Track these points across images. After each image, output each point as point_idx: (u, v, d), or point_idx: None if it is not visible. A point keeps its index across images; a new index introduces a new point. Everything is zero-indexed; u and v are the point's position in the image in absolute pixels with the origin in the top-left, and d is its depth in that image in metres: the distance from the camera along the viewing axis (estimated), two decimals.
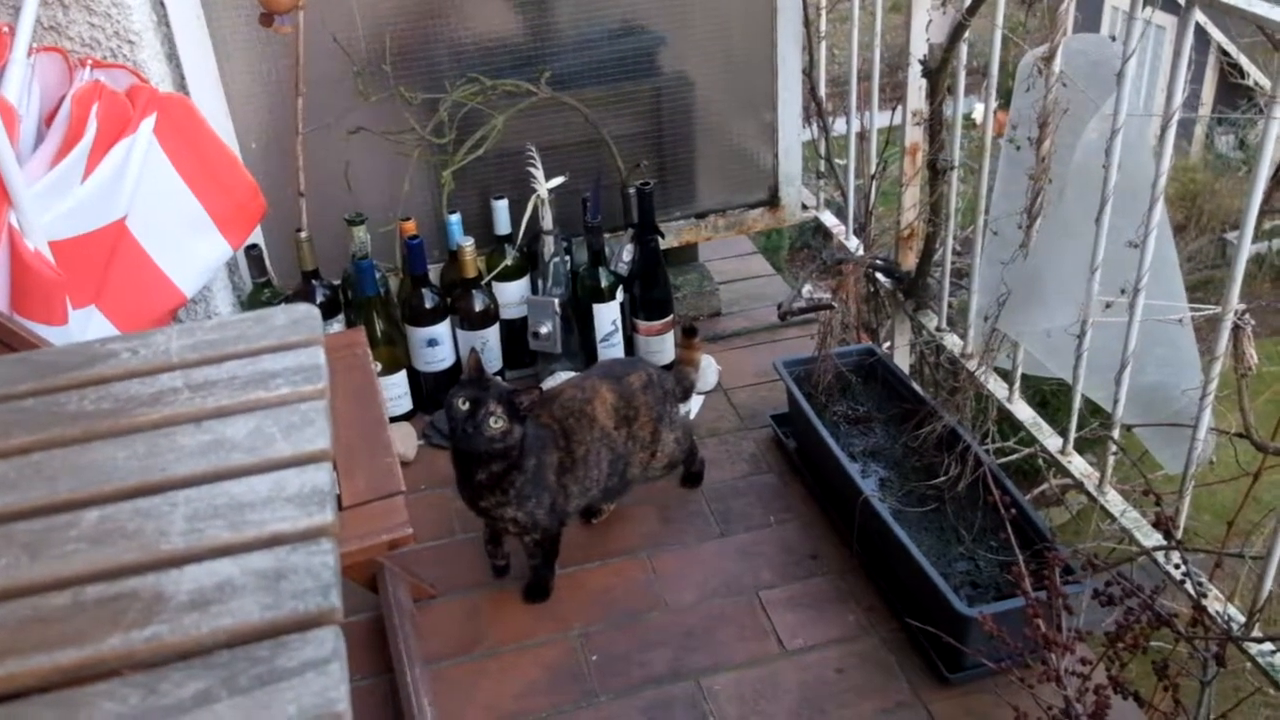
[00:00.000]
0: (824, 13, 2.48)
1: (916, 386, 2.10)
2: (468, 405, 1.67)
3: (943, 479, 1.83)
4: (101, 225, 1.90)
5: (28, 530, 0.77)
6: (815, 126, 2.61)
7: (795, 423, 2.16)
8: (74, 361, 0.95)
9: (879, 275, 2.31)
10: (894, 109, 2.20)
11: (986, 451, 1.84)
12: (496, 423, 1.66)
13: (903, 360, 2.34)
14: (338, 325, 2.31)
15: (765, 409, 2.32)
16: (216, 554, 0.74)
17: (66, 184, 1.83)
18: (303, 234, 2.23)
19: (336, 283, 2.33)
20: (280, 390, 0.90)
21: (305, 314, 1.00)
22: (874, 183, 2.38)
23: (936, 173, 2.00)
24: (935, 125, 1.97)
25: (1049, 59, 1.61)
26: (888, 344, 2.40)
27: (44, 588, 0.73)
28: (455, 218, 2.29)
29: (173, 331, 0.98)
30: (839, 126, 2.68)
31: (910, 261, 2.25)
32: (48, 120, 1.93)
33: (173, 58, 2.12)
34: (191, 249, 2.06)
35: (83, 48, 1.96)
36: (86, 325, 1.89)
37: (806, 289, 2.31)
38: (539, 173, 2.26)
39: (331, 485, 0.79)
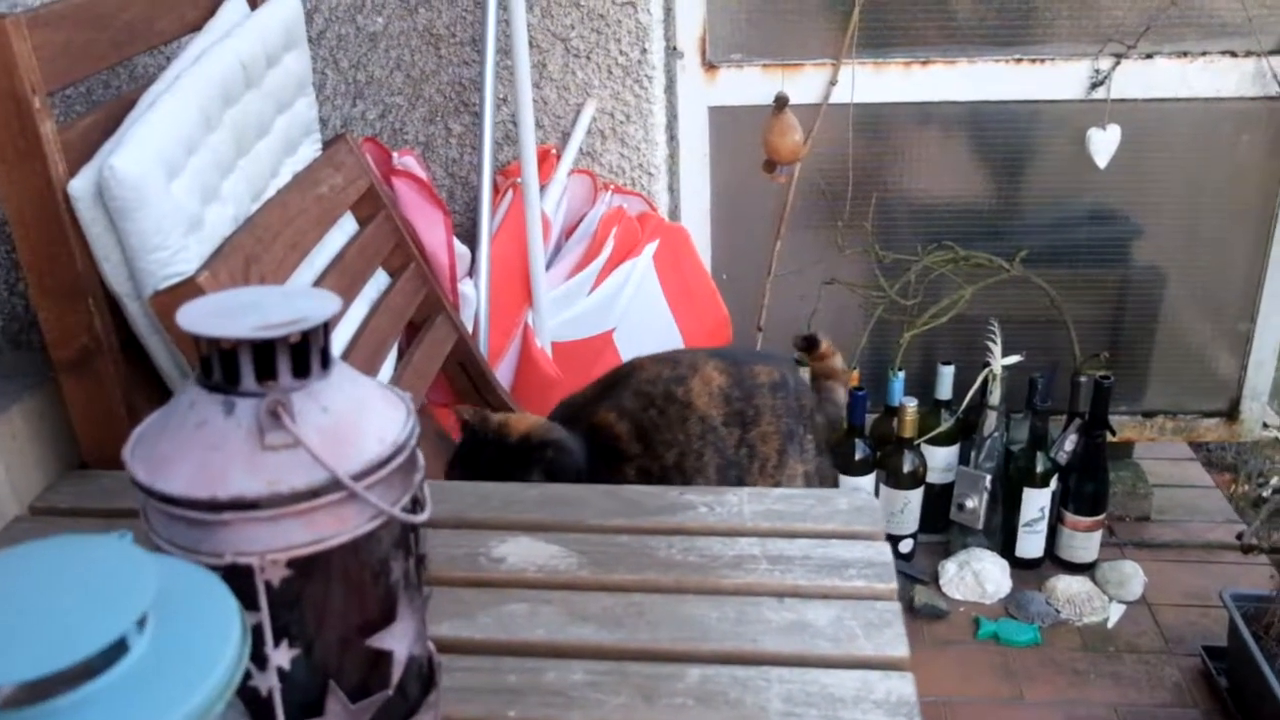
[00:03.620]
0: None
1: None
2: None
3: None
4: (594, 334, 2.08)
5: (639, 674, 0.85)
6: None
7: (1234, 663, 2.00)
8: (657, 505, 1.05)
9: None
10: None
11: None
12: None
13: None
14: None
15: (1194, 635, 2.16)
16: None
17: (577, 294, 2.02)
18: None
19: None
20: (854, 582, 0.94)
21: (866, 503, 1.05)
22: None
23: None
24: None
25: None
26: None
27: None
28: (900, 376, 2.33)
29: (744, 494, 1.06)
30: None
31: None
32: (568, 232, 2.15)
33: (673, 189, 2.30)
34: None
35: (609, 173, 2.17)
36: None
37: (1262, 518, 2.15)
38: (997, 349, 2.25)
39: (916, 699, 0.82)
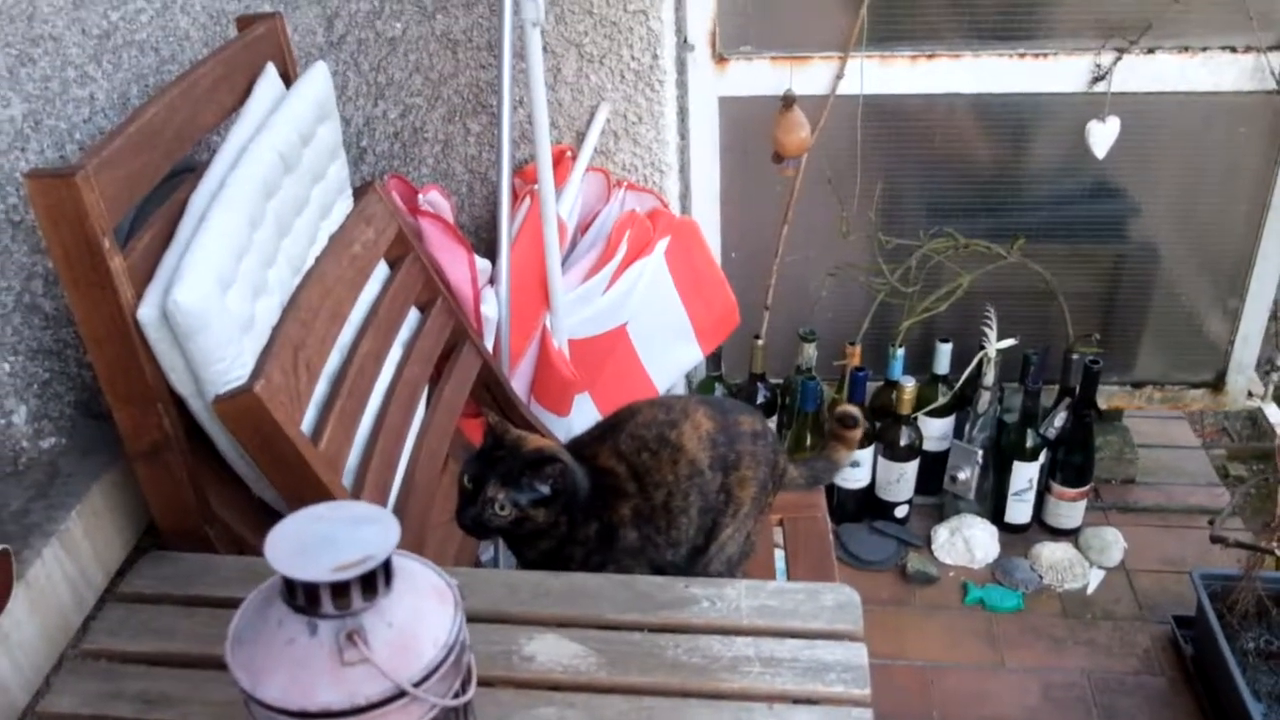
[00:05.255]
0: None
1: None
2: (471, 484, 1.42)
3: None
4: (608, 329, 2.20)
5: None
6: None
7: (1198, 638, 2.18)
8: (666, 599, 1.20)
9: None
10: None
11: None
12: (503, 509, 1.38)
13: None
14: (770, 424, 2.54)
15: (1168, 602, 2.34)
16: None
17: (593, 294, 2.14)
18: (759, 341, 2.47)
19: (777, 382, 2.56)
20: (834, 688, 1.09)
21: (848, 599, 1.19)
22: None
23: None
24: None
25: None
26: None
27: None
28: (900, 353, 2.45)
29: (741, 587, 1.21)
30: None
31: None
32: (583, 229, 2.25)
33: (684, 174, 2.39)
34: (672, 354, 2.34)
35: (622, 171, 2.25)
36: (579, 410, 2.21)
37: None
38: (992, 333, 2.37)
39: None
